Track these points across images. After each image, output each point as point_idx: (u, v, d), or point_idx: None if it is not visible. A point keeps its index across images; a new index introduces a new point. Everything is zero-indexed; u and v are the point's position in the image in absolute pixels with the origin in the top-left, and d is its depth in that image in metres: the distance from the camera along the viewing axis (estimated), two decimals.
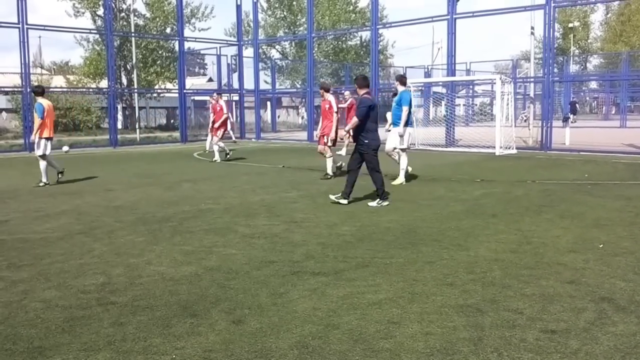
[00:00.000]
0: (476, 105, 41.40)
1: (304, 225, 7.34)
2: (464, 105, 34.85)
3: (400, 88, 11.34)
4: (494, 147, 18.47)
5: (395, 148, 11.20)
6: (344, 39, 44.56)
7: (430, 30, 59.06)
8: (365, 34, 42.18)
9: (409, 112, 11.13)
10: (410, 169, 11.60)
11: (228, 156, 16.75)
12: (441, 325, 3.99)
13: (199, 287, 4.83)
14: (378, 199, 8.73)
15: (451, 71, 21.68)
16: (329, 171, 11.99)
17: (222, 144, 16.60)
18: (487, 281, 4.96)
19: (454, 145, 20.97)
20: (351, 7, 44.58)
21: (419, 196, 9.64)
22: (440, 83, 29.40)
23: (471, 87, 40.57)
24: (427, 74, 43.57)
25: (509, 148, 18.85)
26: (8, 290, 4.81)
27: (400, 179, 11.15)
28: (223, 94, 27.46)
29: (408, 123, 11.25)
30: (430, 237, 6.58)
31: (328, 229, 7.05)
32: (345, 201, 8.74)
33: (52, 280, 5.09)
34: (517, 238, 6.55)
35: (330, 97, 11.74)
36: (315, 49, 37.70)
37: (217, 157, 16.47)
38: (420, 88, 31.67)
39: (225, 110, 16.66)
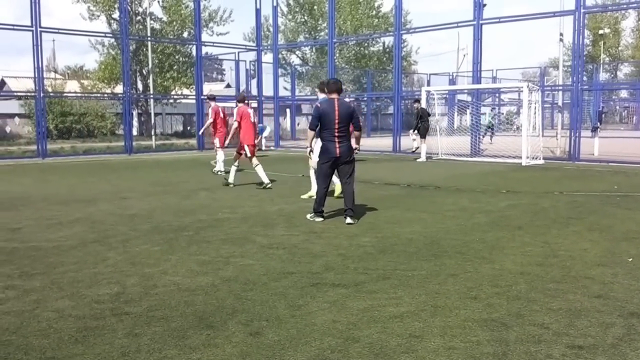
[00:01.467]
0: (502, 113, 41.18)
1: (324, 235, 7.37)
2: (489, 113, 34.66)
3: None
4: (521, 157, 18.36)
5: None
6: (366, 44, 44.69)
7: (455, 36, 58.96)
8: (388, 40, 42.25)
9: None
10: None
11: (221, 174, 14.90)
12: (464, 339, 3.98)
13: (215, 298, 4.88)
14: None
15: (477, 79, 21.65)
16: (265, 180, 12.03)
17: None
18: (512, 295, 4.95)
19: (479, 155, 20.88)
20: (374, 12, 44.75)
21: (443, 207, 9.62)
22: (466, 91, 29.33)
23: (497, 95, 40.38)
24: (452, 81, 43.48)
25: (536, 158, 18.74)
26: (20, 299, 4.89)
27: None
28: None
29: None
30: (454, 249, 6.57)
31: (348, 240, 7.07)
32: (314, 217, 8.46)
33: (65, 289, 5.16)
34: (543, 251, 6.52)
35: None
36: (337, 55, 37.86)
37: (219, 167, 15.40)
38: (444, 96, 31.63)
39: (210, 116, 15.58)
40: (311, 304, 4.72)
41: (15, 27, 22.18)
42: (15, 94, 34.21)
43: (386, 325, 4.25)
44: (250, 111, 12.23)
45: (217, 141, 15.74)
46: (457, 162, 19.40)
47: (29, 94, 26.22)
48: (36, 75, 21.59)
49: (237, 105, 12.38)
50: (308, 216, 8.49)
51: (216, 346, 3.89)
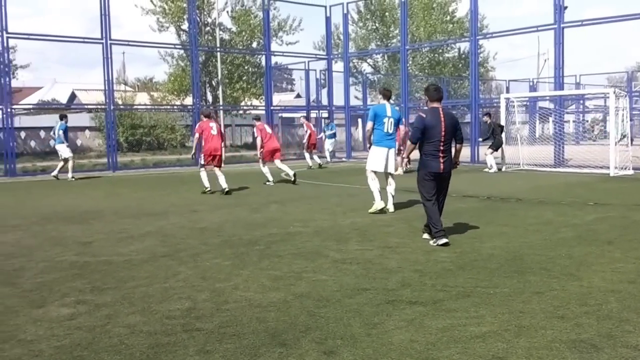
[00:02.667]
0: (587, 121, 39.77)
1: (399, 250, 7.29)
2: (573, 121, 33.60)
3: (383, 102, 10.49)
4: (608, 168, 17.69)
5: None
6: (440, 51, 44.25)
7: (535, 41, 57.47)
8: (464, 46, 41.72)
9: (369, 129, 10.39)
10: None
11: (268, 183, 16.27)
12: None
13: (288, 315, 4.90)
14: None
15: (559, 84, 21.07)
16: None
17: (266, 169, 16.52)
18: (603, 314, 4.74)
19: (563, 166, 20.25)
20: (448, 17, 44.27)
21: (525, 221, 9.35)
22: (547, 97, 28.52)
23: (581, 101, 39.09)
24: (533, 88, 42.42)
25: (625, 168, 18.00)
26: (92, 314, 5.05)
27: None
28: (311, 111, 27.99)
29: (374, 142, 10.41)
30: (539, 266, 6.36)
31: (425, 255, 6.97)
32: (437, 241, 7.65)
33: (136, 304, 5.30)
34: (635, 267, 6.25)
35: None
36: (410, 62, 37.64)
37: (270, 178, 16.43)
38: (524, 103, 30.87)
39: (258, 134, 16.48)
40: (387, 322, 4.67)
41: (86, 40, 23.22)
42: (85, 106, 35.78)
43: (467, 345, 4.15)
44: (213, 125, 14.21)
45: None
46: (539, 172, 18.87)
47: (99, 106, 27.36)
48: (106, 88, 22.41)
49: (201, 119, 14.64)
50: (431, 242, 7.56)
51: None
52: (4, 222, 10.28)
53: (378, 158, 10.37)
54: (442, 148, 7.62)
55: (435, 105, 7.75)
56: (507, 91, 37.75)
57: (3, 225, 9.87)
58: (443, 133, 7.58)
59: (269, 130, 16.42)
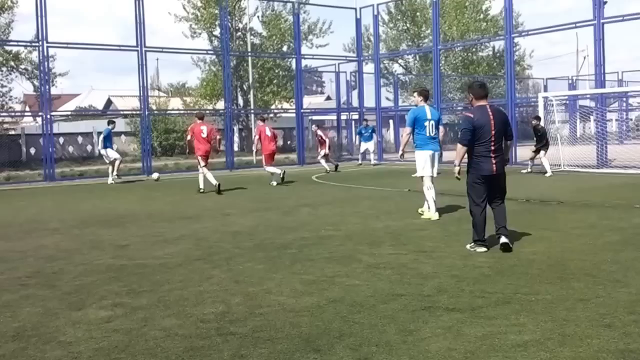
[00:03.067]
0: (631, 119, 38.92)
1: (434, 255, 7.19)
2: (616, 120, 32.91)
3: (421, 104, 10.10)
4: None
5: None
6: (474, 49, 43.80)
7: (573, 37, 56.57)
8: (499, 44, 41.16)
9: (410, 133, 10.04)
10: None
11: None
12: None
13: (321, 320, 4.86)
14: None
15: (600, 82, 20.62)
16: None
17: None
18: None
19: (606, 166, 19.81)
20: (481, 16, 43.80)
21: (567, 224, 9.14)
22: (588, 96, 28.00)
23: (624, 99, 38.27)
24: (572, 86, 41.67)
25: None
26: (128, 317, 5.10)
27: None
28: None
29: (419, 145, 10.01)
30: (583, 271, 6.19)
31: (462, 260, 6.86)
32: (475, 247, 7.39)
33: (171, 307, 5.33)
34: None
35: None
36: (442, 62, 37.33)
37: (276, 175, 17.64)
38: (564, 102, 30.36)
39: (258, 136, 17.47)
40: (424, 329, 4.59)
41: (122, 48, 23.68)
42: (121, 112, 36.35)
43: (508, 354, 4.05)
44: (203, 127, 15.04)
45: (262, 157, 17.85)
46: (581, 174, 18.48)
47: (134, 112, 27.77)
48: (141, 94, 22.83)
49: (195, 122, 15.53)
50: (468, 246, 7.37)
51: None
52: (44, 225, 10.49)
53: (425, 161, 9.98)
54: (493, 148, 7.16)
55: (482, 102, 7.32)
56: (545, 90, 37.15)
57: (43, 229, 10.07)
58: (493, 132, 7.14)
59: (268, 133, 16.97)
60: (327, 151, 22.54)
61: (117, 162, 19.13)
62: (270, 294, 5.66)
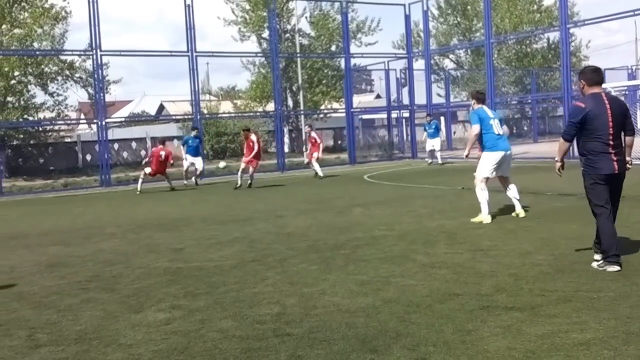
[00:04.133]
0: None
1: (491, 253, 7.10)
2: None
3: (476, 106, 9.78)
4: None
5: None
6: (527, 42, 42.99)
7: (632, 25, 54.85)
8: (554, 35, 40.24)
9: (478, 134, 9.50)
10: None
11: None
12: None
13: (377, 320, 4.87)
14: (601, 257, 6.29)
15: None
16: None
17: None
18: None
19: None
20: (535, 7, 42.96)
21: (629, 219, 8.86)
22: None
23: None
24: (631, 76, 40.37)
25: None
26: (186, 319, 5.22)
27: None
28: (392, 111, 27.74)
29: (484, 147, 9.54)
30: None
31: (520, 258, 6.75)
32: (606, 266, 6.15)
33: (228, 309, 5.43)
34: None
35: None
36: (495, 56, 36.74)
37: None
38: (623, 92, 29.47)
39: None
40: (482, 328, 4.55)
41: (173, 54, 24.22)
42: (173, 117, 37.11)
43: (570, 353, 3.98)
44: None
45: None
46: None
47: (186, 116, 28.31)
48: (193, 98, 23.28)
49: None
50: (595, 265, 6.20)
51: None
52: (101, 230, 10.80)
53: (492, 163, 9.47)
54: (612, 143, 6.15)
55: (596, 90, 6.32)
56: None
57: (101, 234, 10.37)
58: (611, 124, 6.13)
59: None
60: (320, 155, 20.87)
61: (190, 169, 20.09)
62: (325, 295, 5.70)
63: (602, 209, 6.25)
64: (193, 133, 20.24)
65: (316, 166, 20.89)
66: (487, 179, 9.60)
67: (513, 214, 9.71)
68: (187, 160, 19.85)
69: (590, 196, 6.36)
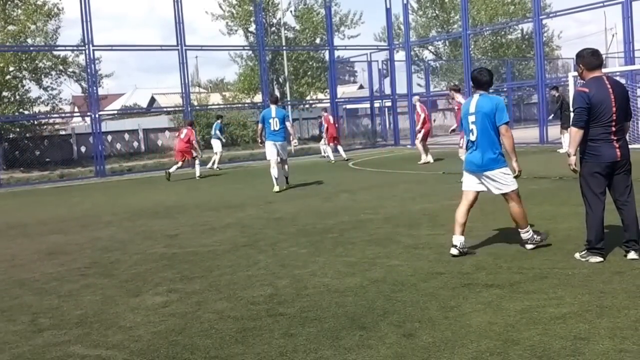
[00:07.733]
0: None
1: (472, 234, 7.13)
2: None
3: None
4: None
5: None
6: (502, 33, 43.06)
7: (602, 16, 55.08)
8: (527, 26, 40.35)
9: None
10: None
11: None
12: (638, 342, 3.69)
13: (365, 299, 4.91)
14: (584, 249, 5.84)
15: (629, 59, 20.13)
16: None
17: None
18: None
19: (637, 142, 19.32)
20: None
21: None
22: (618, 73, 27.26)
23: None
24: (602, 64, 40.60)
25: None
26: (183, 301, 5.24)
27: None
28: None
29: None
30: (618, 245, 6.07)
31: (499, 238, 6.84)
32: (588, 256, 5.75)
33: (222, 291, 5.46)
34: None
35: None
36: (472, 47, 36.79)
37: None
38: None
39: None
40: (464, 305, 4.61)
41: (163, 48, 24.04)
42: (164, 109, 36.88)
43: (548, 327, 4.05)
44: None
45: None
46: None
47: (177, 108, 28.17)
48: (183, 91, 23.18)
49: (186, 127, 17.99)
50: (577, 255, 5.79)
51: (370, 347, 3.91)
52: (98, 219, 10.75)
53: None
54: (614, 129, 5.59)
55: (597, 74, 5.73)
56: (575, 69, 36.29)
57: (98, 222, 10.33)
58: (614, 109, 5.57)
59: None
60: (326, 141, 21.11)
61: (217, 155, 21.34)
62: (315, 276, 5.74)
63: (597, 199, 5.73)
64: (219, 120, 21.97)
65: (328, 150, 21.47)
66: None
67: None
68: (216, 146, 21.29)
69: (586, 185, 5.78)
